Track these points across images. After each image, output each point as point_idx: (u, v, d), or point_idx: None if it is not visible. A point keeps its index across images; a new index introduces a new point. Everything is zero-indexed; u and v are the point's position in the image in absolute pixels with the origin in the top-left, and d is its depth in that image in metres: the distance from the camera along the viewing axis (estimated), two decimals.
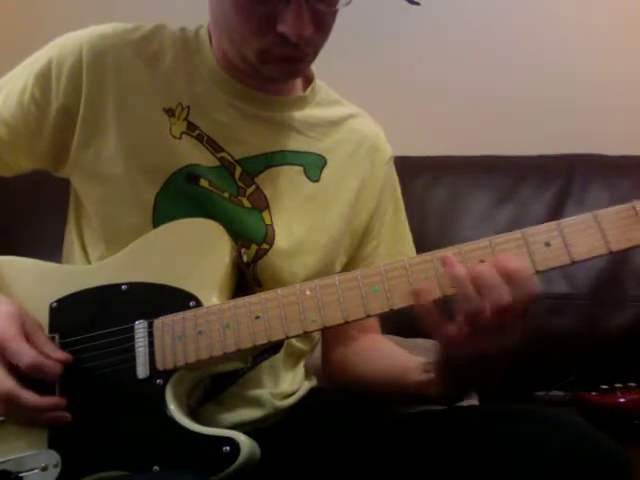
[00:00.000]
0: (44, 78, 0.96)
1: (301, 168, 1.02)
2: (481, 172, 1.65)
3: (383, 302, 0.81)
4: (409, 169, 1.62)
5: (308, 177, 1.02)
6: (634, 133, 1.67)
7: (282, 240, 0.98)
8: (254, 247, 0.97)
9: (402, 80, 1.81)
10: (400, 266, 0.82)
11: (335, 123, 1.07)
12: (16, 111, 0.97)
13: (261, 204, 0.99)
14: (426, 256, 0.82)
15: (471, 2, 1.80)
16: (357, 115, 1.11)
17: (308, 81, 1.07)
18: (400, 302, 0.81)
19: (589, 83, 1.72)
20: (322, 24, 0.91)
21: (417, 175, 1.65)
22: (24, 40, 1.25)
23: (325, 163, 1.04)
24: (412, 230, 1.14)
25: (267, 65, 0.93)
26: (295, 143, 1.02)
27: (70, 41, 0.97)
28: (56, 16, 1.88)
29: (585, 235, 0.77)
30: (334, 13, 0.92)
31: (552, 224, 0.79)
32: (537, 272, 0.78)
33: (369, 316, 0.82)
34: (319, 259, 1.01)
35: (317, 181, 1.03)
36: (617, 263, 1.47)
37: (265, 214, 0.99)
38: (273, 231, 0.98)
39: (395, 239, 1.11)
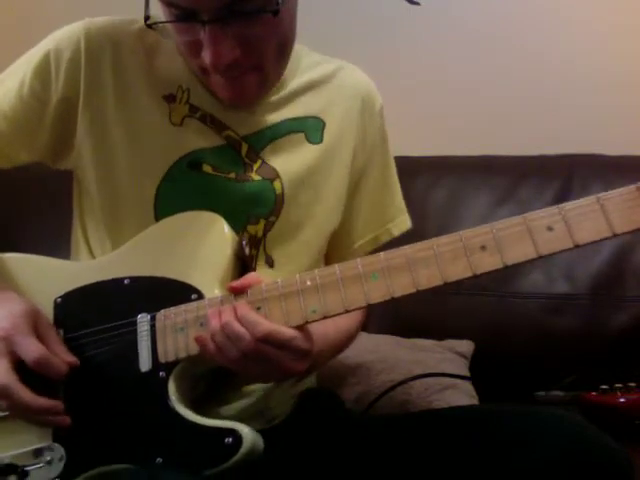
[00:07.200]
0: (43, 71, 0.96)
1: (302, 134, 1.02)
2: (481, 172, 1.65)
3: (384, 290, 0.80)
4: (409, 169, 1.61)
5: (310, 141, 1.02)
6: (634, 133, 1.67)
7: (290, 209, 0.99)
8: (262, 222, 0.97)
9: (402, 80, 1.80)
10: (401, 254, 0.81)
11: (324, 80, 1.07)
12: (16, 104, 0.97)
13: (271, 174, 0.99)
14: (427, 243, 0.80)
15: (471, 2, 1.80)
16: (343, 67, 1.10)
17: None
18: (401, 290, 0.80)
19: (589, 83, 1.72)
20: (252, 42, 0.87)
21: (417, 175, 1.64)
22: (22, 37, 1.24)
23: (324, 125, 1.04)
24: (412, 230, 1.14)
25: (214, 81, 0.92)
26: (293, 110, 1.02)
27: (67, 33, 0.97)
28: (55, 14, 1.88)
29: (588, 218, 0.76)
30: (269, 24, 0.87)
31: (554, 208, 0.77)
32: (540, 257, 0.77)
33: (370, 305, 0.82)
34: (324, 224, 1.02)
35: (320, 143, 1.03)
36: (617, 263, 1.47)
37: (276, 184, 0.99)
38: (282, 201, 0.98)
39: (383, 191, 1.11)
